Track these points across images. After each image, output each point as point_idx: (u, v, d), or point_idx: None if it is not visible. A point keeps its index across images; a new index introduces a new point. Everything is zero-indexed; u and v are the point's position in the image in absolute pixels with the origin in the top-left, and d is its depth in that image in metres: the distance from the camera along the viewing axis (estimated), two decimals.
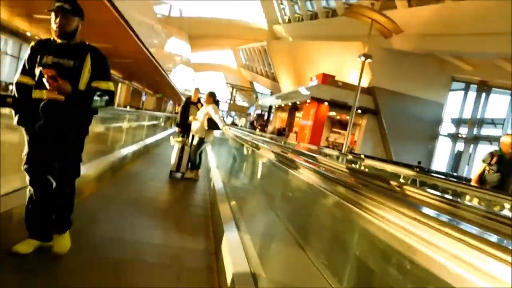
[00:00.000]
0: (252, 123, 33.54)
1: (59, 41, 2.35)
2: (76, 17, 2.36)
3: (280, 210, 3.73)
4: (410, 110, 22.12)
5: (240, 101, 49.87)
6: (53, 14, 2.26)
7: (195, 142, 6.15)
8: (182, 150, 6.20)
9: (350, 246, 2.14)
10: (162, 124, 16.47)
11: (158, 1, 19.15)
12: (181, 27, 28.23)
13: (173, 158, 6.20)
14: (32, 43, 2.42)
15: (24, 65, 2.34)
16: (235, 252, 2.59)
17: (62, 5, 2.26)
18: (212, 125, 6.00)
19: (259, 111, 35.09)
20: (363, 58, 16.09)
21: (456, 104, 23.33)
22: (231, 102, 43.79)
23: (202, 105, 6.62)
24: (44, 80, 2.13)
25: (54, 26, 2.28)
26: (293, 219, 3.43)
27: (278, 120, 30.98)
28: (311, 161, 2.62)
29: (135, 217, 3.57)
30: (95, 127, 6.75)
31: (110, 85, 2.46)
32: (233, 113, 43.85)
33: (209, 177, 6.23)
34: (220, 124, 5.95)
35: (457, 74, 22.77)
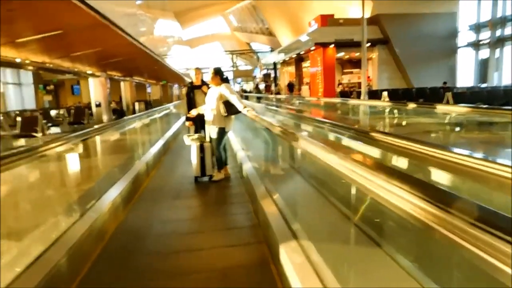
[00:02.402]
0: (256, 86, 32.66)
1: None
2: None
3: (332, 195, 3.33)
4: (421, 29, 20.79)
5: (243, 65, 48.56)
6: None
7: (213, 135, 5.22)
8: (201, 149, 5.32)
9: None
10: (174, 110, 16.13)
11: None
12: (164, 7, 27.11)
13: (194, 161, 5.34)
14: None
15: None
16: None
17: None
18: (230, 109, 5.01)
19: (264, 71, 34.07)
20: None
21: (470, 9, 21.63)
22: (234, 69, 42.72)
23: (208, 87, 5.64)
24: None
25: None
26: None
27: (286, 75, 30.00)
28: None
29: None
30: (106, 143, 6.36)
31: None
32: (239, 79, 42.87)
33: (242, 174, 5.39)
34: (239, 106, 4.92)
35: None
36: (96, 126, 4.55)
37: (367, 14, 19.98)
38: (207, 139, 5.50)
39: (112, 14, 9.87)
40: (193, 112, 5.53)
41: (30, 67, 13.76)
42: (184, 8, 34.53)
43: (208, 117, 5.24)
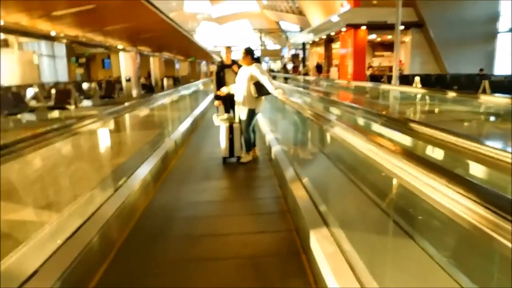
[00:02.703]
0: (284, 66, 32.13)
1: None
2: None
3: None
4: (459, 12, 19.65)
5: (271, 44, 47.79)
6: None
7: (243, 116, 5.08)
8: (231, 129, 5.20)
9: None
10: (201, 87, 16.11)
11: None
12: None
13: (223, 142, 5.22)
14: None
15: None
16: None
17: None
18: (261, 90, 4.87)
19: (293, 51, 33.44)
20: None
21: None
22: (262, 47, 42.14)
23: (238, 67, 5.49)
24: None
25: None
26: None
27: (315, 56, 29.36)
28: None
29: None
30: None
31: None
32: (266, 58, 42.33)
33: (271, 156, 5.24)
34: (270, 88, 4.75)
35: None
36: (127, 104, 4.52)
37: None
38: (236, 119, 5.40)
39: None
40: (224, 90, 5.42)
41: (64, 40, 13.99)
42: None
43: (238, 98, 5.12)
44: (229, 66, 5.69)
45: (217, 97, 5.76)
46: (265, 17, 45.45)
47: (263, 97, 5.08)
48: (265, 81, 4.81)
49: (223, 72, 5.71)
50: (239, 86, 5.09)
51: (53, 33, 11.70)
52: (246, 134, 5.14)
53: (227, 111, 5.85)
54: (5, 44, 20.16)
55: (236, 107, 5.41)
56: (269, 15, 43.96)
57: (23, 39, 22.33)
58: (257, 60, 5.08)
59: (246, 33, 47.79)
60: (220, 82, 5.69)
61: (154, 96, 6.57)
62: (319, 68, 26.28)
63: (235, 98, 5.24)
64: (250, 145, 5.27)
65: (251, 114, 5.07)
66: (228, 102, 5.76)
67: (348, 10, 20.12)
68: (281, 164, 4.23)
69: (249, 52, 4.99)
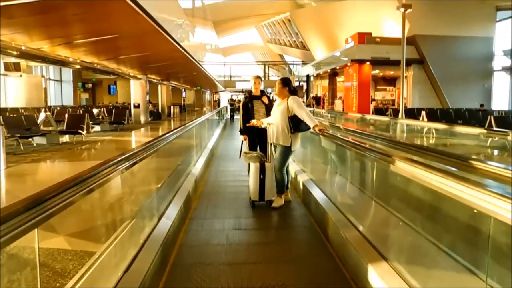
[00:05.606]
0: None
1: None
2: None
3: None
4: (458, 51, 19.97)
5: (274, 76, 48.14)
6: None
7: (276, 154, 4.46)
8: (262, 169, 4.42)
9: None
10: (210, 116, 15.55)
11: None
12: (205, 16, 26.99)
13: (252, 183, 4.45)
14: None
15: None
16: None
17: None
18: (298, 125, 4.27)
19: (296, 83, 33.50)
20: (402, 10, 14.32)
21: (506, 34, 20.61)
22: (265, 79, 42.33)
23: (268, 98, 5.07)
24: None
25: None
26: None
27: (319, 88, 29.36)
28: None
29: None
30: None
31: None
32: (269, 89, 42.48)
33: (305, 199, 4.58)
34: (310, 123, 4.12)
35: (501, 2, 20.05)
36: (135, 150, 3.33)
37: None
38: (268, 158, 4.74)
39: (163, 21, 9.61)
40: (254, 121, 4.79)
41: (78, 66, 13.70)
42: (222, 19, 34.47)
43: (271, 133, 4.51)
44: (258, 98, 5.12)
45: (242, 131, 5.11)
46: (269, 50, 45.99)
47: (299, 134, 4.50)
48: (304, 115, 4.19)
49: (251, 104, 5.10)
50: (273, 121, 4.51)
51: (70, 59, 11.39)
52: (279, 174, 4.48)
53: (253, 147, 5.14)
54: (17, 68, 19.83)
55: (268, 144, 4.78)
56: (273, 48, 44.48)
57: (32, 63, 22.03)
58: (294, 92, 4.48)
59: (249, 64, 48.19)
60: (248, 114, 5.08)
61: (173, 132, 5.52)
62: (317, 100, 26.17)
63: (269, 134, 4.61)
64: (283, 187, 4.59)
65: (286, 152, 4.43)
66: (256, 137, 5.10)
67: (353, 46, 20.22)
68: (328, 215, 3.52)
69: (285, 82, 4.44)
